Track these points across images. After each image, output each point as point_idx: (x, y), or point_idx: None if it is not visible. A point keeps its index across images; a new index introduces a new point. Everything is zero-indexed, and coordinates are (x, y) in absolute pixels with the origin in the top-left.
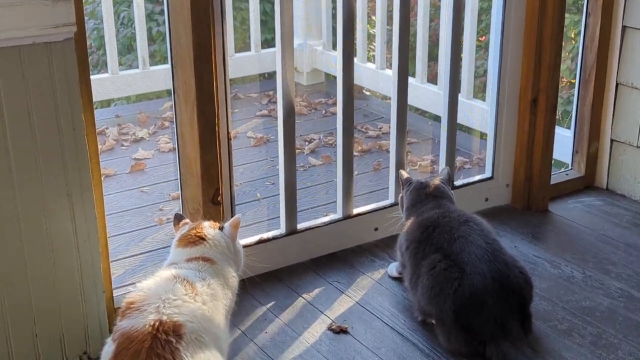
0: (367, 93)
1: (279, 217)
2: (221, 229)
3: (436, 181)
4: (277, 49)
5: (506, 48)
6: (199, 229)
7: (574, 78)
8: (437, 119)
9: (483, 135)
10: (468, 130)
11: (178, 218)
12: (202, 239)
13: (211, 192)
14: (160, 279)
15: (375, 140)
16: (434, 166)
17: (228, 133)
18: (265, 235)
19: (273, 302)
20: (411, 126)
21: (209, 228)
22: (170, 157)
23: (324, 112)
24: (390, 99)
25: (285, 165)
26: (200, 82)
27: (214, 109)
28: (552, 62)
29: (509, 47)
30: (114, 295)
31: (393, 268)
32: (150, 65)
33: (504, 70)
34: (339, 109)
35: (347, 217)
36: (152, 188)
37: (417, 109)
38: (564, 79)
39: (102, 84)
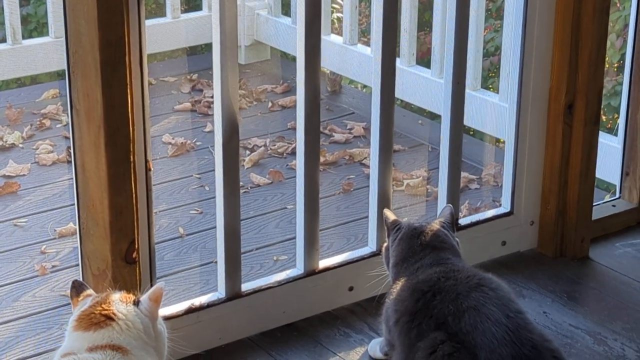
0: (332, 77)
1: (215, 269)
2: (137, 303)
3: (435, 225)
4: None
5: (531, 25)
6: (105, 304)
7: (620, 60)
8: (431, 115)
9: (496, 141)
10: (473, 132)
11: (77, 288)
12: (110, 319)
13: (123, 247)
14: None
15: (344, 147)
16: (429, 186)
17: (146, 162)
18: (197, 301)
19: None
20: (395, 126)
21: (119, 303)
22: (55, 174)
23: (270, 104)
24: (363, 85)
25: (225, 206)
26: (109, 95)
27: (128, 132)
28: (595, 54)
29: (535, 23)
30: None
31: (377, 347)
32: (24, 37)
33: (527, 58)
34: (300, 108)
35: (310, 272)
36: (29, 220)
37: (401, 101)
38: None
39: None
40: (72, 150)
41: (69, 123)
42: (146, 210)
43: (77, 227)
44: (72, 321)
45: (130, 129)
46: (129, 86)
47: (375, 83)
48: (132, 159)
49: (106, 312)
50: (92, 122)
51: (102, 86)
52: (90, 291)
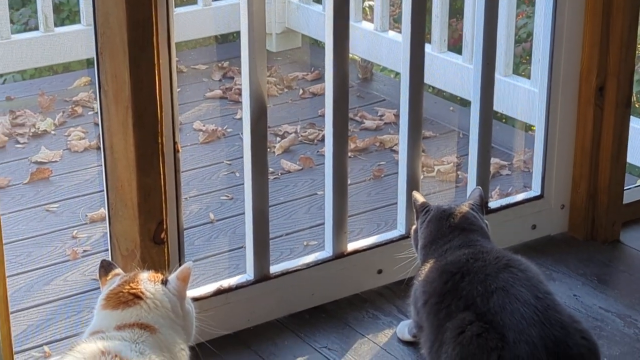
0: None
1: (244, 254)
2: (165, 282)
3: (464, 207)
4: (242, 13)
5: (561, 10)
6: (134, 283)
7: None
8: (462, 102)
9: (527, 127)
10: (505, 119)
11: (105, 267)
12: (138, 297)
13: (152, 228)
14: (82, 356)
15: (375, 134)
16: (459, 172)
17: (175, 144)
18: (225, 283)
19: None
20: (426, 113)
21: (147, 282)
22: (86, 160)
23: (301, 92)
24: (395, 73)
25: (254, 186)
26: (137, 75)
27: (156, 113)
28: (626, 35)
29: (565, 9)
30: None
31: (405, 328)
32: (56, 24)
33: (557, 42)
34: (328, 94)
35: (339, 255)
36: (61, 205)
37: (433, 88)
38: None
39: None
40: (100, 132)
41: (97, 105)
42: (175, 192)
43: (106, 208)
44: (101, 300)
45: (158, 110)
46: (156, 67)
47: (404, 68)
48: (160, 140)
49: (134, 290)
50: (120, 103)
51: (129, 67)
52: (118, 270)
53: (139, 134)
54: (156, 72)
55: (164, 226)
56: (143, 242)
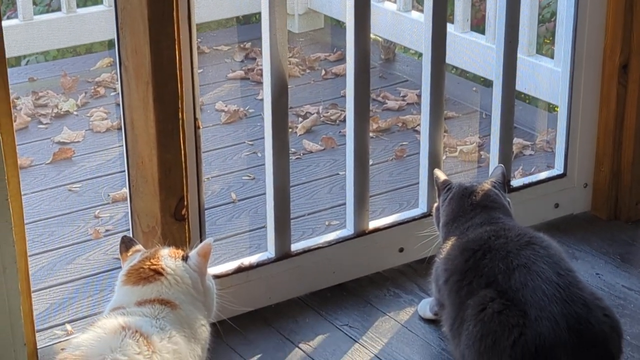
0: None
1: (265, 233)
2: (185, 259)
3: (486, 185)
4: None
5: None
6: (154, 259)
7: None
8: (484, 82)
9: (551, 108)
10: (529, 99)
11: (126, 243)
12: (159, 273)
13: (173, 204)
14: (103, 331)
15: (397, 114)
16: (482, 152)
17: (195, 120)
18: (246, 261)
19: (259, 356)
20: (449, 93)
21: (168, 258)
22: (108, 140)
23: (323, 72)
24: (417, 53)
25: (275, 163)
26: (157, 51)
27: (177, 89)
28: None
29: None
30: (38, 347)
31: (426, 306)
32: (78, 5)
33: (581, 20)
34: (350, 72)
35: (360, 233)
36: (84, 185)
37: (456, 69)
38: None
39: (8, 33)
40: (121, 108)
41: (117, 81)
42: (195, 169)
43: (127, 185)
44: (122, 276)
45: (179, 85)
46: (177, 42)
47: (426, 48)
48: (180, 116)
49: (155, 266)
50: (140, 79)
51: (150, 42)
52: (139, 246)
53: (159, 110)
54: (176, 47)
55: (185, 202)
56: (164, 218)
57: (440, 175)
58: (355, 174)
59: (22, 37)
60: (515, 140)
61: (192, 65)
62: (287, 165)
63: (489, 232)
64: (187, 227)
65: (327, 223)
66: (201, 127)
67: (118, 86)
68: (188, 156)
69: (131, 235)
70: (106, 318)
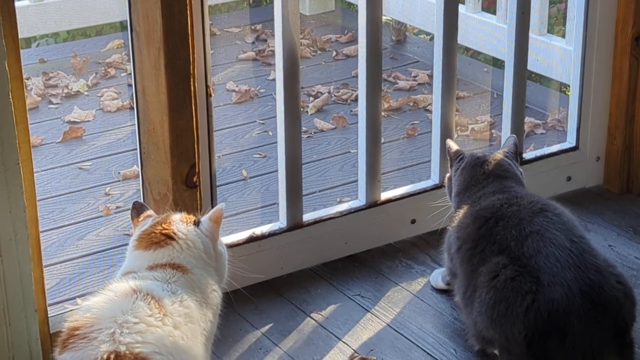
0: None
1: (277, 204)
2: (197, 224)
3: (498, 155)
4: None
5: None
6: (166, 224)
7: None
8: (496, 63)
9: (562, 87)
10: (540, 79)
11: (138, 209)
12: (170, 238)
13: (184, 171)
14: (114, 294)
15: (409, 94)
16: (493, 131)
17: (207, 87)
18: (258, 231)
19: (271, 325)
20: (460, 74)
21: (180, 223)
22: (118, 119)
23: (334, 53)
24: (428, 35)
25: (287, 134)
26: (169, 16)
27: (188, 55)
28: None
29: None
30: (49, 315)
31: (439, 276)
32: None
33: None
34: (362, 52)
35: (372, 204)
36: (94, 163)
37: (467, 49)
38: None
39: (19, 14)
40: (132, 75)
41: (128, 47)
42: (207, 136)
43: (138, 152)
44: (133, 241)
45: (190, 51)
46: (188, 7)
47: (437, 28)
48: (192, 82)
49: (166, 231)
50: (151, 45)
51: (161, 7)
52: (150, 212)
53: (171, 76)
54: (188, 13)
55: (196, 169)
56: (175, 185)
57: (453, 145)
58: (368, 146)
59: (33, 19)
60: (527, 119)
61: (203, 32)
62: (299, 137)
63: (501, 200)
64: (198, 195)
65: (338, 199)
66: (213, 94)
67: (129, 52)
68: (199, 123)
69: (142, 202)
70: (117, 282)
